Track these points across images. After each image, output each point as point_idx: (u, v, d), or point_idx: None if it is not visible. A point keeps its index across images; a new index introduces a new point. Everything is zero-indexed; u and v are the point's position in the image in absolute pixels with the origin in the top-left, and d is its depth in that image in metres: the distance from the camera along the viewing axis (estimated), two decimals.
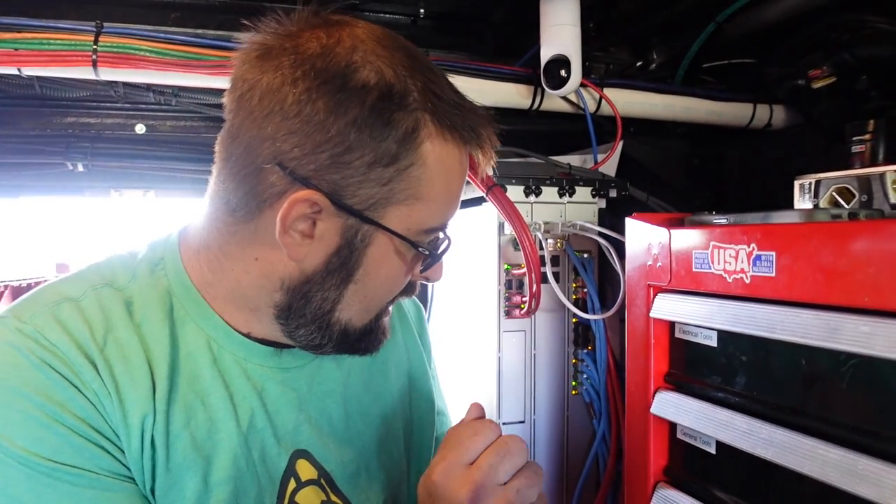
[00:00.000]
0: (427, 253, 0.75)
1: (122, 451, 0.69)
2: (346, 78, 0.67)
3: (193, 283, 0.77)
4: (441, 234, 0.77)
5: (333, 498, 0.83)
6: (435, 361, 1.06)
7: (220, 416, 0.75)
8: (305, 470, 0.81)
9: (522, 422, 1.17)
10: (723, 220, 0.81)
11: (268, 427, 0.78)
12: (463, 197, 1.29)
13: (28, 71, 1.09)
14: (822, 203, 0.97)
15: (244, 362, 0.78)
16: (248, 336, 0.79)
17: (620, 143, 1.33)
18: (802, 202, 1.00)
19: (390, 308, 0.83)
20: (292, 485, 0.79)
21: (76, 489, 0.67)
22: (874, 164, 1.03)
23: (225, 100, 0.74)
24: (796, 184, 1.01)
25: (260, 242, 0.73)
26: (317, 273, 0.73)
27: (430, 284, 1.41)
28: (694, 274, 0.79)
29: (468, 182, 1.13)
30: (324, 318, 0.75)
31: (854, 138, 1.05)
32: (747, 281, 0.72)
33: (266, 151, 0.69)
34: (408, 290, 0.82)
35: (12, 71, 1.08)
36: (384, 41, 0.71)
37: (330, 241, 0.72)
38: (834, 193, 0.96)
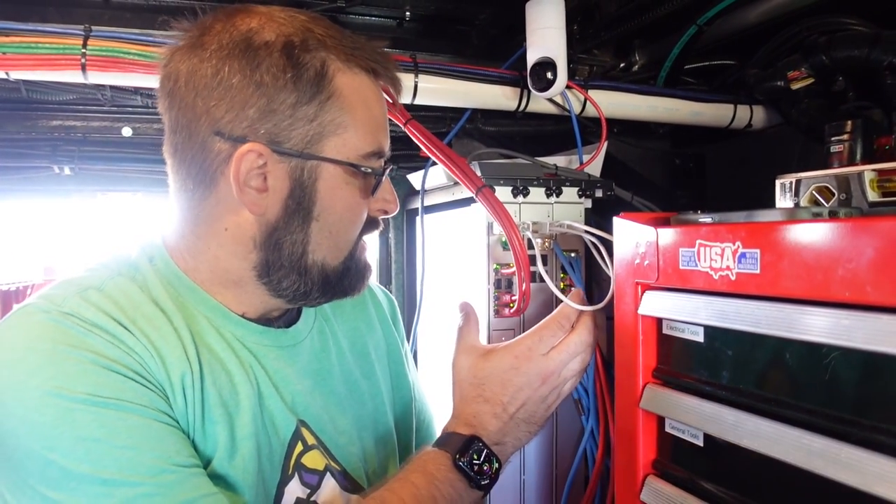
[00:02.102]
0: (370, 171, 0.82)
1: (170, 406, 0.74)
2: (250, 41, 0.77)
3: (184, 273, 0.83)
4: (381, 160, 0.85)
5: (333, 464, 0.89)
6: (409, 352, 1.13)
7: (238, 380, 0.80)
8: (309, 436, 0.87)
9: None
10: (708, 219, 0.83)
11: (274, 394, 0.84)
12: (452, 198, 1.31)
13: (16, 74, 1.09)
14: (803, 202, 0.99)
15: (242, 339, 0.84)
16: (243, 316, 0.85)
17: (605, 144, 1.35)
18: (783, 201, 1.03)
19: (364, 245, 0.89)
20: (299, 447, 0.85)
21: (145, 420, 0.70)
22: (852, 163, 1.06)
23: (159, 105, 0.83)
24: (777, 183, 1.04)
25: (224, 212, 0.80)
26: (279, 220, 0.80)
27: (418, 291, 1.43)
28: (681, 271, 0.81)
29: (458, 183, 1.15)
30: (300, 262, 0.82)
31: (833, 138, 1.08)
32: (733, 278, 0.74)
33: (203, 127, 0.77)
34: (371, 225, 0.89)
35: (0, 74, 1.08)
36: (282, 12, 0.81)
37: (282, 187, 0.79)
38: (814, 192, 0.99)
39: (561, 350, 0.93)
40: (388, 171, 0.86)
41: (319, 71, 0.78)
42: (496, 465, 0.87)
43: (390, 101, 1.03)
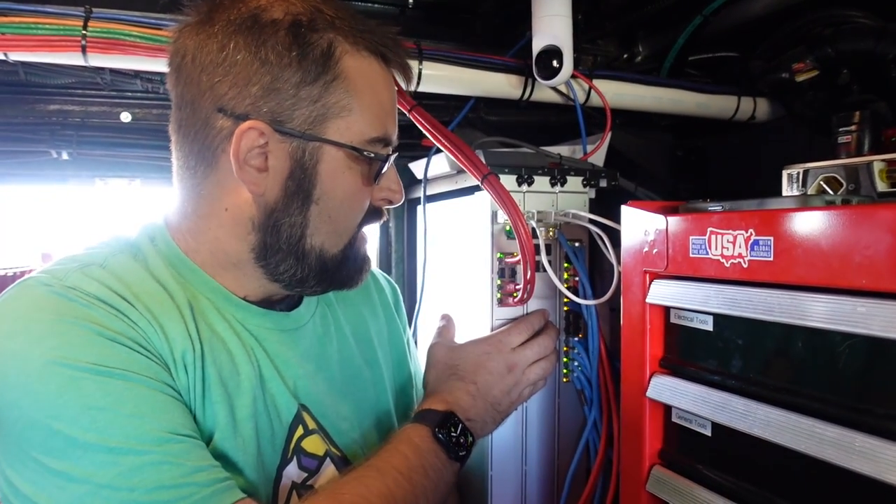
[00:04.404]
0: (373, 156, 0.81)
1: (174, 381, 0.74)
2: (257, 17, 0.76)
3: (185, 254, 0.83)
4: (388, 147, 0.84)
5: (333, 449, 0.89)
6: (411, 339, 1.15)
7: (240, 360, 0.80)
8: (309, 421, 0.87)
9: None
10: (717, 208, 0.83)
11: (277, 377, 0.84)
12: (456, 186, 1.30)
13: (15, 56, 1.07)
14: (811, 192, 0.99)
15: (244, 322, 0.83)
16: (244, 299, 0.84)
17: (609, 134, 1.34)
18: (790, 191, 1.02)
19: (365, 237, 0.89)
20: (300, 431, 0.85)
21: (151, 391, 0.70)
22: (860, 154, 1.05)
23: (167, 81, 0.82)
24: (784, 173, 1.03)
25: (224, 192, 0.80)
26: (278, 202, 0.79)
27: (419, 281, 1.42)
28: (691, 259, 0.81)
29: (463, 171, 1.14)
30: (297, 246, 0.81)
31: (841, 129, 1.07)
32: (745, 265, 0.74)
33: (207, 103, 0.77)
34: (374, 215, 0.88)
35: None
36: None
37: (282, 167, 0.78)
38: (822, 182, 0.98)
39: (528, 347, 1.03)
40: (392, 157, 0.85)
41: (326, 51, 0.77)
42: (470, 438, 0.91)
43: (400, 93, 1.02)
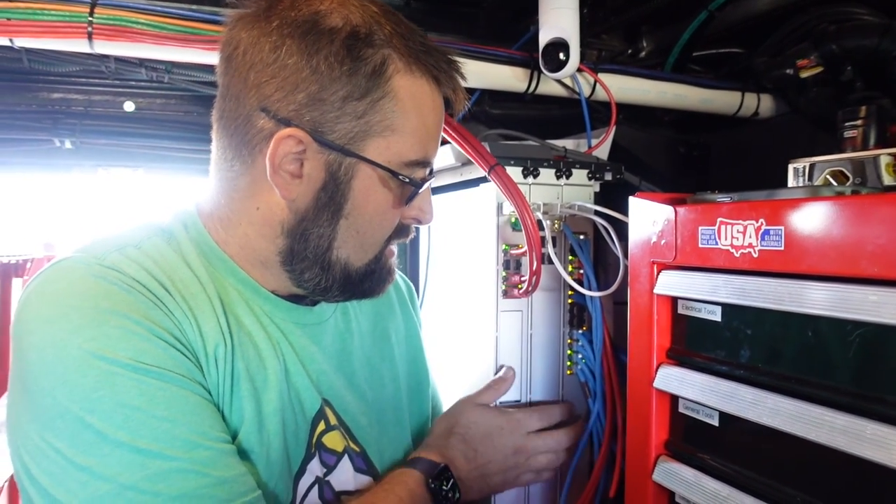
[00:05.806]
0: (407, 181, 0.81)
1: (204, 377, 0.73)
2: (315, 23, 0.75)
3: (216, 244, 0.82)
4: (425, 169, 0.83)
5: (352, 445, 0.89)
6: (424, 338, 1.13)
7: (266, 354, 0.80)
8: (331, 416, 0.87)
9: (518, 401, 1.18)
10: (726, 199, 0.83)
11: (301, 371, 0.84)
12: (461, 178, 1.30)
13: (21, 42, 1.06)
14: (817, 185, 0.99)
15: (271, 315, 0.83)
16: (273, 293, 0.84)
17: (613, 128, 1.34)
18: (796, 185, 1.03)
19: (393, 250, 0.88)
20: (321, 426, 0.86)
21: (184, 392, 0.70)
22: (865, 148, 1.06)
23: (216, 69, 0.81)
24: (790, 167, 1.04)
25: (258, 191, 0.79)
26: (309, 211, 0.79)
27: (422, 274, 1.42)
28: (700, 250, 0.81)
29: (470, 162, 1.14)
30: (323, 257, 0.81)
31: (846, 124, 1.08)
32: (755, 255, 0.74)
33: (252, 100, 0.76)
34: (401, 232, 0.88)
35: (4, 42, 1.06)
36: None
37: (317, 177, 0.78)
38: (828, 176, 0.99)
39: (542, 437, 1.03)
40: (428, 182, 0.84)
41: (378, 68, 0.76)
42: (458, 495, 0.92)
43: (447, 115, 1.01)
